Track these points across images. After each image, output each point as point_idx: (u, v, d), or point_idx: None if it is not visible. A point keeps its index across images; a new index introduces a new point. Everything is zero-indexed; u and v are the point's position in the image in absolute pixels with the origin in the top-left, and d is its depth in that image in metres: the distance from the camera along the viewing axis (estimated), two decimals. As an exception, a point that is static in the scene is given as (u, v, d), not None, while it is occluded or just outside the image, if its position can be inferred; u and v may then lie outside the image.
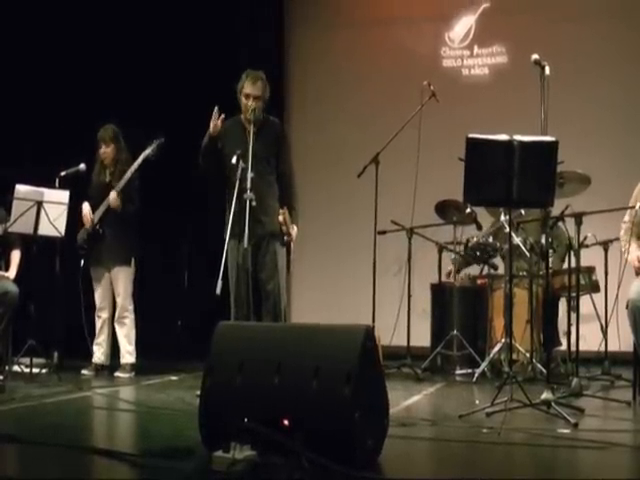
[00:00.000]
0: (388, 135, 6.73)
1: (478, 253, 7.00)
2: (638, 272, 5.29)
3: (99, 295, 6.93)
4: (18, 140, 8.17)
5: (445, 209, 7.31)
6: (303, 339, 3.60)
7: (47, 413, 4.98)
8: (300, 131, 8.83)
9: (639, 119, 8.37)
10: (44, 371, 6.60)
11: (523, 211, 6.53)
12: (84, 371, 6.82)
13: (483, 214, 7.09)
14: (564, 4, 8.72)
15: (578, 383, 5.56)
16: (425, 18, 9.23)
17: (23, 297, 6.52)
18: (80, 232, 6.89)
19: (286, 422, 3.30)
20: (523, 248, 6.58)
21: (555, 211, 5.60)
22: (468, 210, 7.11)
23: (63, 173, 6.83)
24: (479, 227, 7.21)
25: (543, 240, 5.64)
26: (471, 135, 4.61)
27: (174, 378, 6.67)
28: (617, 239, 5.83)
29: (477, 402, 5.19)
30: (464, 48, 9.16)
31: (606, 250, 6.74)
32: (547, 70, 4.85)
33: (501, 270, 7.12)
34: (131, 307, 6.88)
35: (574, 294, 6.10)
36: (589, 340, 6.52)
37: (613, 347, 6.74)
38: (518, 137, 4.57)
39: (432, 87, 6.84)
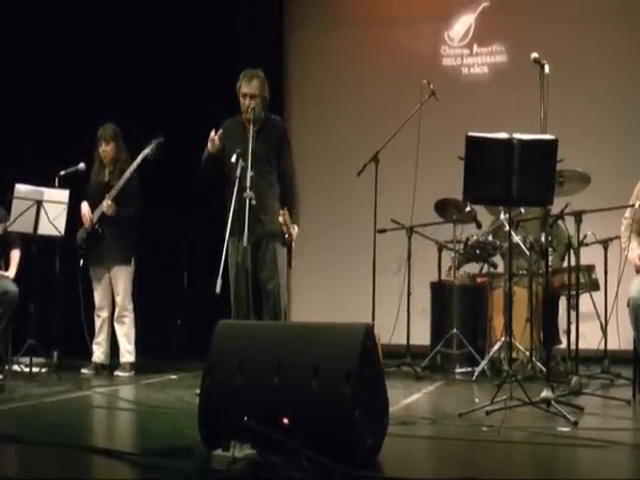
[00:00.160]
0: (388, 134, 6.73)
1: (478, 251, 7.00)
2: (638, 270, 5.30)
3: (98, 294, 6.93)
4: (18, 140, 8.16)
5: (445, 208, 7.31)
6: (303, 338, 3.60)
7: (47, 412, 4.98)
8: (300, 131, 8.82)
9: (639, 118, 8.36)
10: (44, 370, 6.60)
11: (523, 209, 6.53)
12: (84, 370, 6.82)
13: (483, 213, 7.09)
14: (564, 3, 8.71)
15: (578, 381, 5.56)
16: (424, 17, 9.22)
17: (23, 296, 6.51)
18: (79, 231, 6.89)
19: (286, 421, 3.30)
20: (523, 247, 6.58)
21: (555, 209, 5.61)
22: (468, 209, 7.11)
23: (63, 172, 6.83)
24: (479, 226, 7.22)
25: (543, 238, 5.64)
26: (471, 133, 4.62)
27: (174, 377, 6.68)
28: (617, 237, 5.83)
29: (477, 400, 5.19)
30: (464, 47, 9.15)
31: (606, 248, 6.73)
32: (546, 68, 4.85)
33: (501, 269, 7.12)
34: (130, 306, 6.88)
35: (574, 292, 6.10)
36: (589, 338, 6.51)
37: (613, 345, 6.74)
38: (518, 135, 4.57)
39: (432, 86, 6.84)
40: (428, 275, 7.57)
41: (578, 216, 5.66)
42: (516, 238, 6.51)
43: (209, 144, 5.70)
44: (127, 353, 6.85)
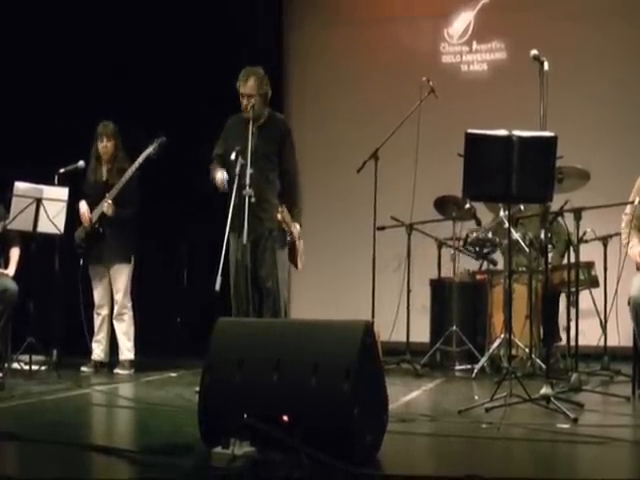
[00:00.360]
0: (387, 132, 6.73)
1: (477, 248, 7.00)
2: (639, 267, 5.29)
3: (98, 292, 6.93)
4: (17, 138, 8.15)
5: (444, 205, 7.31)
6: (302, 335, 3.60)
7: (46, 410, 4.98)
8: (299, 128, 8.76)
9: (638, 115, 8.36)
10: (43, 368, 6.59)
11: (522, 206, 6.52)
12: (83, 368, 6.82)
13: (483, 210, 7.08)
14: (563, 0, 8.71)
15: (577, 378, 5.56)
16: (424, 14, 9.22)
17: (22, 294, 6.51)
18: (78, 231, 6.87)
19: (285, 418, 3.30)
20: (522, 243, 6.58)
21: (554, 206, 5.60)
22: (467, 206, 7.11)
23: (62, 170, 6.82)
24: (478, 223, 7.21)
25: (542, 235, 5.64)
26: (470, 131, 4.61)
27: (173, 375, 6.68)
28: (616, 234, 5.83)
29: (476, 397, 5.19)
30: (463, 44, 9.15)
31: (605, 245, 6.74)
32: (546, 65, 4.85)
33: (500, 266, 7.12)
34: (130, 304, 6.88)
35: (573, 289, 6.10)
36: (588, 335, 6.52)
37: (612, 342, 6.75)
38: (517, 132, 4.57)
39: (431, 83, 6.83)
40: (428, 272, 7.57)
41: (577, 213, 5.66)
42: (516, 235, 6.51)
43: (217, 182, 5.66)
44: (126, 351, 6.85)
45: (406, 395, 5.51)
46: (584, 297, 6.62)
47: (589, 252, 6.74)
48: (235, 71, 5.85)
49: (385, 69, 9.14)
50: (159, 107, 8.34)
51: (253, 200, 5.37)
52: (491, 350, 6.63)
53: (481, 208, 7.07)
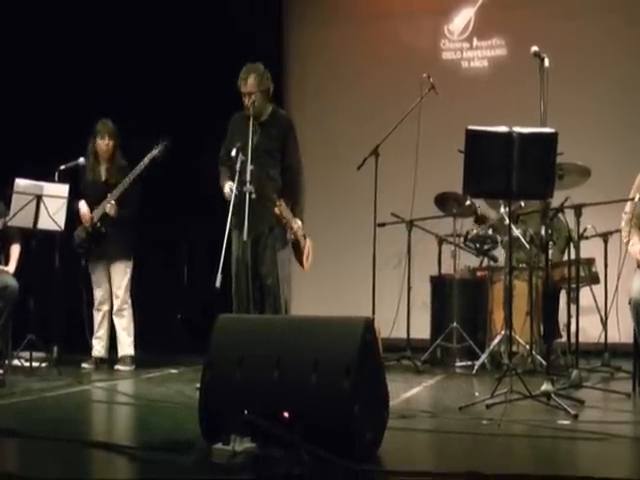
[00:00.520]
0: (387, 128, 6.72)
1: (478, 245, 7.00)
2: (640, 265, 5.30)
3: (99, 289, 6.93)
4: (18, 136, 8.15)
5: (445, 201, 7.31)
6: (303, 332, 3.60)
7: (47, 407, 4.98)
8: (299, 125, 8.63)
9: (638, 112, 8.36)
10: (44, 365, 6.60)
11: (523, 203, 6.52)
12: (84, 365, 6.82)
13: (484, 207, 7.08)
14: (563, -3, 8.72)
15: (578, 375, 5.56)
16: (424, 11, 9.21)
17: (23, 291, 6.51)
18: (77, 230, 6.85)
19: (286, 415, 3.30)
20: (523, 240, 6.58)
21: (555, 203, 5.60)
22: (468, 202, 7.11)
23: (62, 167, 6.80)
24: (478, 220, 7.21)
25: (543, 232, 5.64)
26: (470, 127, 4.61)
27: (174, 371, 6.68)
28: (617, 231, 5.83)
29: (477, 394, 5.19)
30: (463, 41, 9.14)
31: (606, 242, 6.74)
32: (546, 62, 4.85)
33: (501, 262, 7.12)
34: (129, 300, 6.89)
35: (574, 286, 6.10)
36: (589, 332, 6.52)
37: (613, 339, 6.75)
38: (517, 129, 4.57)
39: (431, 80, 6.83)
40: (428, 269, 7.57)
41: (578, 209, 5.66)
42: (516, 232, 6.51)
43: (225, 194, 5.63)
44: (127, 347, 6.86)
45: (406, 392, 5.51)
46: (585, 294, 6.62)
47: (590, 248, 6.73)
48: (235, 69, 5.85)
49: (385, 66, 9.14)
50: (159, 106, 8.34)
51: (254, 197, 5.36)
52: (491, 347, 6.64)
53: (484, 206, 7.07)
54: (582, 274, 6.53)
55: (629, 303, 5.17)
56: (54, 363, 6.66)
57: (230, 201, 5.52)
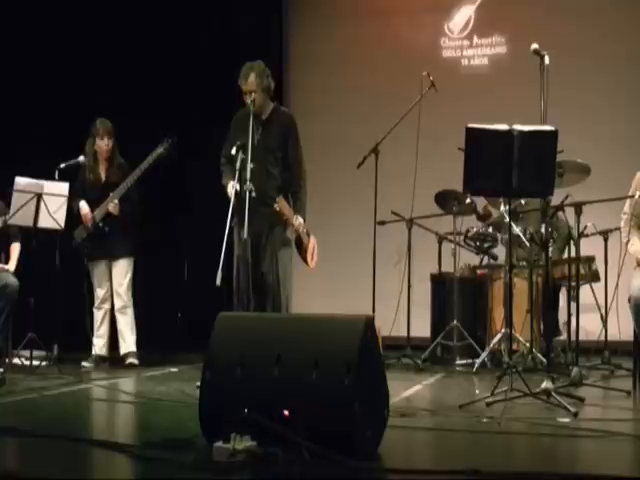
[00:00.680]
0: (387, 126, 6.72)
1: (478, 243, 7.00)
2: (640, 264, 5.30)
3: (100, 288, 6.94)
4: (18, 134, 8.15)
5: (445, 199, 7.30)
6: (303, 330, 3.60)
7: (47, 405, 4.98)
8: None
9: (638, 110, 8.36)
10: (44, 363, 6.60)
11: (523, 201, 6.52)
12: (84, 363, 6.82)
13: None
14: (563, -6, 8.72)
15: (578, 372, 5.57)
16: (424, 9, 9.22)
17: (23, 290, 6.52)
18: (78, 230, 6.85)
19: (286, 413, 3.30)
20: (523, 238, 6.58)
21: (555, 201, 5.60)
22: (468, 200, 7.11)
23: (62, 165, 6.81)
24: (478, 217, 7.22)
25: (543, 230, 5.64)
26: (470, 125, 4.61)
27: (174, 370, 6.68)
28: (617, 229, 5.83)
29: (477, 392, 5.19)
30: (463, 38, 9.15)
31: (606, 240, 6.73)
32: (546, 59, 4.84)
33: (501, 260, 7.12)
34: (131, 298, 6.89)
35: (574, 284, 6.10)
36: (589, 330, 6.52)
37: (613, 336, 6.75)
38: (517, 127, 4.57)
39: (431, 77, 6.82)
40: (428, 267, 7.57)
41: (578, 207, 5.66)
42: (516, 230, 6.51)
43: (228, 194, 5.61)
44: (132, 344, 6.90)
45: (407, 390, 5.51)
46: (585, 291, 6.62)
47: (590, 246, 6.74)
48: (235, 67, 5.83)
49: (385, 64, 9.14)
50: (158, 105, 8.34)
51: (254, 195, 5.36)
52: (492, 345, 6.64)
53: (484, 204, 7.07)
54: (582, 272, 6.54)
55: (629, 301, 5.18)
56: (54, 361, 6.67)
57: (232, 199, 5.51)
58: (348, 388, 3.28)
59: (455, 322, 7.05)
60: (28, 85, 8.27)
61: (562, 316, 6.86)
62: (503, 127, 4.59)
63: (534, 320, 6.57)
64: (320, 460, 3.12)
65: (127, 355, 6.87)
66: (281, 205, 5.59)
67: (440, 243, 7.46)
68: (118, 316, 6.90)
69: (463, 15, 9.14)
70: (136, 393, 5.50)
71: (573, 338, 6.07)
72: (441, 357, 7.14)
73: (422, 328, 7.38)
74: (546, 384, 4.66)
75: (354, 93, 9.16)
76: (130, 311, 6.91)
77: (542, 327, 6.82)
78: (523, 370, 5.28)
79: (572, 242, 6.09)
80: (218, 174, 5.84)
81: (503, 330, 6.47)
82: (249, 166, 5.35)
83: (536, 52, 4.88)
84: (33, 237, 6.54)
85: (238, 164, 5.37)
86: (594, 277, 6.88)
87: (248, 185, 5.31)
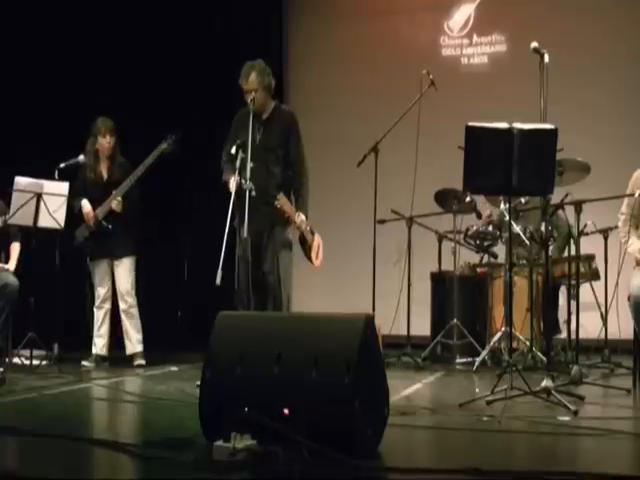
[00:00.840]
0: (387, 125, 6.72)
1: (478, 242, 7.00)
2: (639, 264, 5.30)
3: (102, 287, 6.92)
4: (18, 134, 8.14)
5: (445, 198, 7.30)
6: (303, 329, 3.60)
7: (47, 405, 4.98)
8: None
9: (638, 108, 8.36)
10: (44, 363, 6.60)
11: (523, 199, 6.52)
12: (84, 362, 6.82)
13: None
14: (563, -8, 8.71)
15: (578, 371, 5.57)
16: (424, 7, 9.22)
17: (23, 289, 6.52)
18: (79, 229, 6.85)
19: (286, 412, 3.30)
20: (523, 236, 6.57)
21: (555, 199, 5.60)
22: (468, 199, 7.11)
23: (62, 165, 6.81)
24: (479, 216, 7.21)
25: (543, 228, 5.64)
26: (470, 123, 4.60)
27: (174, 369, 6.69)
28: (617, 227, 5.83)
29: (477, 390, 5.19)
30: (463, 37, 9.15)
31: (606, 238, 6.74)
32: (546, 58, 4.84)
33: (501, 259, 7.12)
34: (135, 298, 6.90)
35: (574, 282, 6.10)
36: (589, 328, 6.52)
37: (613, 335, 6.75)
38: (517, 125, 4.56)
39: (431, 76, 6.82)
40: (428, 265, 7.57)
41: (578, 205, 5.66)
42: (516, 228, 6.51)
43: (230, 188, 5.59)
44: (138, 344, 6.91)
45: (407, 388, 5.51)
46: (585, 290, 6.62)
47: (590, 245, 6.73)
48: (235, 66, 5.83)
49: (385, 62, 9.14)
50: (158, 103, 8.34)
51: (254, 194, 5.36)
52: (492, 343, 6.64)
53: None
54: (582, 270, 6.54)
55: (628, 300, 5.18)
56: (54, 361, 6.67)
57: (235, 195, 5.49)
58: (348, 386, 3.28)
59: (455, 320, 7.05)
60: (28, 85, 8.26)
61: (562, 314, 6.86)
62: (503, 125, 4.58)
63: (534, 318, 6.56)
64: (320, 459, 3.12)
65: (134, 356, 6.87)
66: (282, 202, 5.58)
67: (440, 241, 7.46)
68: (123, 317, 6.90)
69: (463, 13, 9.14)
70: (136, 392, 5.50)
71: (573, 336, 6.07)
72: (441, 355, 7.14)
73: (422, 326, 7.38)
74: (546, 382, 4.66)
75: (354, 92, 9.16)
76: (135, 311, 6.91)
77: (542, 325, 6.81)
78: (523, 368, 5.29)
79: (572, 240, 6.09)
80: (219, 173, 5.84)
81: (503, 328, 6.46)
82: (249, 165, 5.34)
83: (536, 50, 4.88)
84: (33, 237, 6.54)
85: (238, 163, 5.36)
86: (594, 275, 6.88)
87: (248, 184, 5.31)
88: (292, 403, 3.32)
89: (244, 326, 3.73)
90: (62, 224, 6.53)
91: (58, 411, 4.74)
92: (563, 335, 6.72)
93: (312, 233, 5.87)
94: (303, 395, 3.33)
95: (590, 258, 6.86)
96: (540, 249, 6.60)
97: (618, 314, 6.37)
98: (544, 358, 6.07)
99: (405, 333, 7.13)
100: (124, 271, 6.86)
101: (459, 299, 7.21)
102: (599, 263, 6.85)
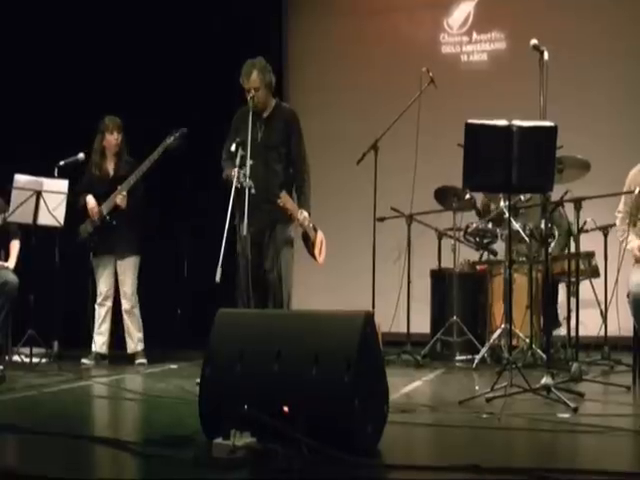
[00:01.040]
0: (387, 122, 6.72)
1: (477, 239, 7.00)
2: (638, 260, 5.30)
3: (104, 284, 6.92)
4: (17, 131, 8.14)
5: (444, 195, 7.30)
6: (303, 326, 3.60)
7: (47, 402, 4.98)
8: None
9: (638, 105, 8.35)
10: (44, 361, 6.60)
11: (523, 196, 6.52)
12: (84, 360, 6.82)
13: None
14: (563, -10, 8.71)
15: (578, 368, 5.57)
16: (423, 4, 9.22)
17: (23, 287, 6.52)
18: (84, 225, 6.84)
19: (286, 409, 3.30)
20: (523, 234, 6.57)
21: (554, 196, 5.60)
22: (467, 196, 7.11)
23: (62, 162, 6.81)
24: (478, 213, 7.22)
25: (543, 225, 5.64)
26: (470, 121, 4.60)
27: (174, 366, 6.69)
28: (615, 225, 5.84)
29: (477, 388, 5.19)
30: (463, 34, 9.14)
31: (605, 235, 6.74)
32: (546, 55, 4.84)
33: (501, 256, 7.12)
34: (137, 297, 6.90)
35: (574, 279, 6.10)
36: (589, 325, 6.53)
37: (613, 332, 6.76)
38: (517, 122, 4.56)
39: (431, 74, 6.82)
40: (428, 263, 7.57)
41: (578, 203, 5.66)
42: (516, 225, 6.51)
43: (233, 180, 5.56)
44: (139, 342, 6.92)
45: (407, 386, 5.52)
46: (584, 287, 6.62)
47: (589, 242, 6.74)
48: (235, 64, 5.82)
49: (385, 60, 9.13)
50: (158, 104, 8.33)
51: (253, 192, 5.35)
52: (491, 340, 6.64)
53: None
54: (582, 267, 6.54)
55: (628, 297, 5.18)
56: (54, 359, 6.68)
57: (237, 186, 5.46)
58: (348, 384, 3.27)
59: (455, 318, 7.05)
60: (28, 83, 8.27)
61: (562, 311, 6.87)
62: (502, 123, 4.58)
63: (534, 316, 6.57)
64: (320, 456, 3.12)
65: (136, 355, 6.88)
66: (285, 200, 5.59)
67: (440, 239, 7.46)
68: (126, 316, 6.90)
69: (462, 11, 9.14)
70: (136, 390, 5.50)
71: (573, 334, 6.07)
72: (441, 353, 7.14)
73: (422, 324, 7.38)
74: (546, 380, 4.65)
75: (353, 90, 9.15)
76: (137, 311, 6.92)
77: (542, 323, 6.82)
78: (523, 366, 5.30)
79: (572, 238, 6.09)
80: (218, 171, 5.84)
81: (503, 326, 6.47)
82: (248, 163, 5.34)
83: (535, 48, 4.88)
84: (33, 234, 6.54)
85: (237, 161, 5.36)
86: (594, 273, 6.88)
87: (248, 182, 5.31)
88: (292, 400, 3.32)
89: (244, 323, 3.73)
90: (62, 222, 6.53)
91: (58, 409, 4.75)
92: (563, 332, 6.73)
93: (315, 230, 5.88)
94: (303, 392, 3.33)
95: (590, 255, 6.86)
96: (540, 246, 6.60)
97: (618, 311, 6.38)
98: (544, 355, 6.07)
99: (405, 330, 7.13)
100: (129, 271, 6.86)
101: (459, 296, 7.21)
102: (599, 260, 6.85)
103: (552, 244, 6.64)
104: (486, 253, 7.32)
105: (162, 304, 8.31)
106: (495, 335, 6.63)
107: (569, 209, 5.97)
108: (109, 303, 6.94)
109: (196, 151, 7.38)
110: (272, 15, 9.41)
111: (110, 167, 6.95)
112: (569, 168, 6.27)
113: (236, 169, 5.35)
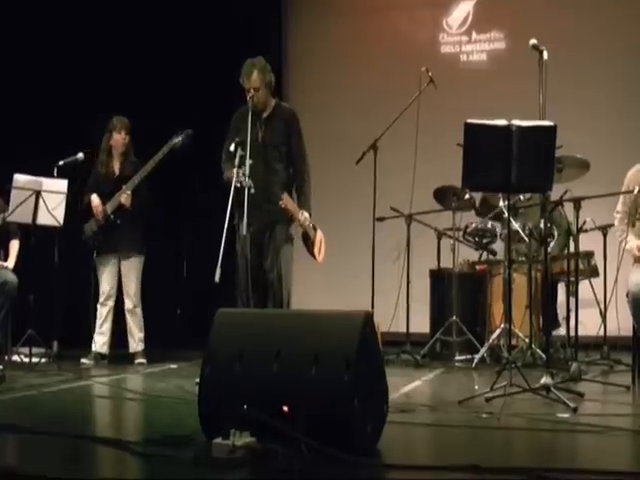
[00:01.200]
0: (386, 122, 6.71)
1: (477, 239, 7.01)
2: (637, 260, 5.30)
3: (107, 283, 6.91)
4: (17, 131, 8.14)
5: (444, 195, 7.30)
6: (302, 326, 3.60)
7: (47, 402, 4.98)
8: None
9: (637, 105, 8.36)
10: (43, 360, 6.60)
11: (522, 196, 6.52)
12: (84, 360, 6.82)
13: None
14: (562, -11, 8.71)
15: (577, 368, 5.57)
16: (423, 4, 9.23)
17: (22, 287, 6.52)
18: (88, 223, 6.84)
19: (285, 409, 3.30)
20: (522, 233, 6.57)
21: (554, 196, 5.60)
22: (467, 196, 7.11)
23: (61, 162, 6.81)
24: (478, 213, 7.22)
25: (542, 225, 5.64)
26: (469, 120, 4.60)
27: (173, 366, 6.69)
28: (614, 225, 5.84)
29: (476, 387, 5.20)
30: (462, 34, 9.14)
31: (605, 235, 6.74)
32: (545, 55, 4.84)
33: (500, 256, 7.12)
34: (140, 297, 6.90)
35: (573, 279, 6.10)
36: (588, 325, 6.53)
37: (612, 332, 6.76)
38: (516, 122, 4.56)
39: (430, 73, 6.82)
40: (427, 263, 7.57)
41: (577, 202, 5.66)
42: (515, 225, 6.51)
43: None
44: (140, 342, 6.93)
45: (406, 385, 5.52)
46: (584, 287, 6.62)
47: (589, 242, 6.74)
48: (234, 63, 5.82)
49: (384, 59, 9.13)
50: (158, 103, 8.33)
51: (252, 191, 5.35)
52: (491, 340, 6.64)
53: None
54: (581, 267, 6.54)
55: (627, 296, 5.18)
56: (53, 358, 6.68)
57: (237, 185, 5.45)
58: (347, 384, 3.28)
59: (454, 318, 7.05)
60: (28, 83, 8.26)
61: (561, 311, 6.87)
62: (502, 122, 4.58)
63: (533, 315, 6.57)
64: (319, 456, 3.12)
65: (136, 354, 6.89)
66: (286, 201, 5.60)
67: (439, 239, 7.46)
68: (128, 316, 6.91)
69: (462, 10, 9.14)
70: (136, 390, 5.50)
71: (572, 333, 6.07)
72: (440, 353, 7.14)
73: (421, 324, 7.38)
74: (545, 379, 4.65)
75: (353, 89, 9.15)
76: (139, 310, 6.93)
77: (541, 322, 6.82)
78: (522, 365, 5.30)
79: (571, 237, 6.09)
80: (218, 171, 5.83)
81: (502, 325, 6.47)
82: (248, 162, 5.34)
83: (535, 47, 4.88)
84: (32, 234, 6.54)
85: (237, 161, 5.36)
86: (593, 272, 6.88)
87: (247, 182, 5.31)
88: (291, 400, 3.32)
89: (243, 323, 3.73)
90: (61, 222, 6.53)
91: (57, 409, 4.75)
92: (562, 332, 6.73)
93: (314, 229, 5.88)
94: (302, 392, 3.33)
95: (589, 255, 6.86)
96: (539, 246, 6.60)
97: (617, 311, 6.38)
98: (543, 355, 6.08)
99: (404, 330, 7.13)
100: (133, 271, 6.87)
101: (458, 296, 7.21)
102: (598, 260, 6.85)
103: (551, 244, 6.64)
104: (485, 253, 7.32)
105: (162, 304, 8.31)
106: (494, 335, 6.63)
107: (568, 209, 5.97)
108: (111, 303, 6.94)
109: (196, 151, 7.39)
110: (272, 15, 9.41)
111: (116, 166, 6.97)
112: (568, 167, 6.27)
113: (235, 169, 5.35)
